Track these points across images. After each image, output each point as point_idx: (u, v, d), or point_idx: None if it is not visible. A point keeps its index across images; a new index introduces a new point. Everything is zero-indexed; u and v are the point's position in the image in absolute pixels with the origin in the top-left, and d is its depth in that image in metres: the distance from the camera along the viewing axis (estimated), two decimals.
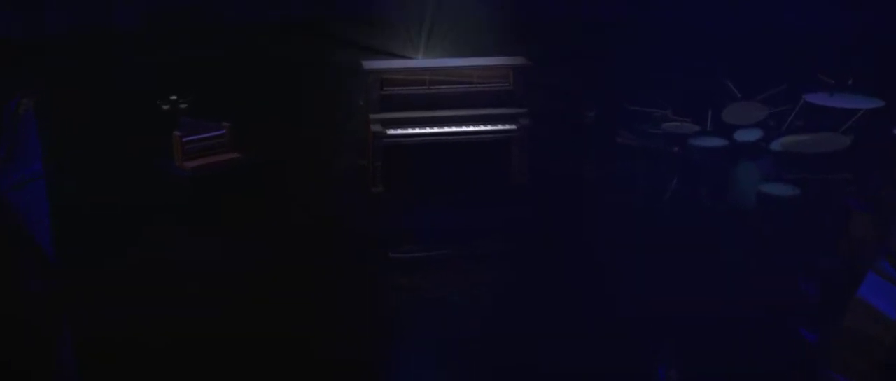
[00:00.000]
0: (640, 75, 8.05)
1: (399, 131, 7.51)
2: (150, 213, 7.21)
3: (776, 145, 7.15)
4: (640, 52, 8.04)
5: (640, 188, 7.74)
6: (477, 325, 5.68)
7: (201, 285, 6.13)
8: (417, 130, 7.53)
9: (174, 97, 7.35)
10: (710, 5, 8.05)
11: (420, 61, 8.09)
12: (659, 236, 6.86)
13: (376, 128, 7.48)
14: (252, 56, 7.95)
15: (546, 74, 7.94)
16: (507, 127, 7.61)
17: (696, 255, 6.46)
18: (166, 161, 7.36)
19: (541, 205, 7.56)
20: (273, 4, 8.00)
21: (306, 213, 7.47)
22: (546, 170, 7.91)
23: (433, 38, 8.18)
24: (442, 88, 7.70)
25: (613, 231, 7.03)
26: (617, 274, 6.32)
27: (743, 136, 7.41)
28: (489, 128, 7.60)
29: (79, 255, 6.47)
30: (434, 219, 7.27)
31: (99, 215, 7.12)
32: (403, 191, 7.59)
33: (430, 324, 5.70)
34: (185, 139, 7.26)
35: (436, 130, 7.54)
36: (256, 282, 6.24)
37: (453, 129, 7.55)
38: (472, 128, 7.58)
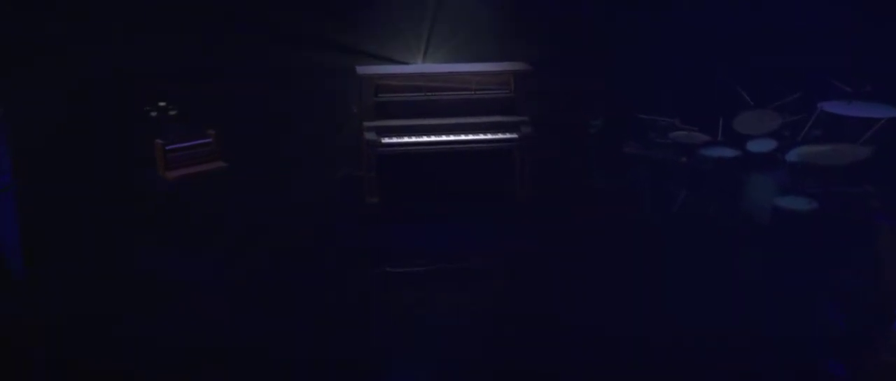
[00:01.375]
0: (646, 81, 7.80)
1: (394, 140, 7.25)
2: (128, 225, 6.99)
3: (792, 156, 6.94)
4: (646, 56, 7.80)
5: (647, 201, 7.47)
6: (475, 341, 5.49)
7: (183, 299, 5.94)
8: (413, 139, 7.28)
9: (163, 103, 7.04)
10: (717, 5, 7.75)
11: (416, 67, 7.88)
12: (666, 251, 6.65)
13: (370, 136, 7.21)
14: (242, 59, 7.67)
15: (548, 80, 7.70)
16: (507, 135, 7.39)
17: (706, 273, 6.21)
18: (150, 170, 7.09)
19: (543, 217, 7.36)
20: (265, 7, 7.68)
21: (298, 224, 7.25)
22: (549, 180, 7.73)
23: (433, 40, 7.89)
24: (439, 95, 7.50)
25: (619, 246, 6.81)
26: (621, 292, 6.07)
27: (756, 146, 7.17)
28: (489, 136, 7.37)
29: (50, 271, 6.24)
30: (431, 231, 7.11)
31: (73, 227, 6.91)
32: (399, 202, 7.42)
33: (426, 340, 5.51)
34: (168, 148, 6.97)
35: (433, 138, 7.30)
36: (244, 297, 6.04)
37: (451, 138, 7.32)
38: (470, 136, 7.35)
